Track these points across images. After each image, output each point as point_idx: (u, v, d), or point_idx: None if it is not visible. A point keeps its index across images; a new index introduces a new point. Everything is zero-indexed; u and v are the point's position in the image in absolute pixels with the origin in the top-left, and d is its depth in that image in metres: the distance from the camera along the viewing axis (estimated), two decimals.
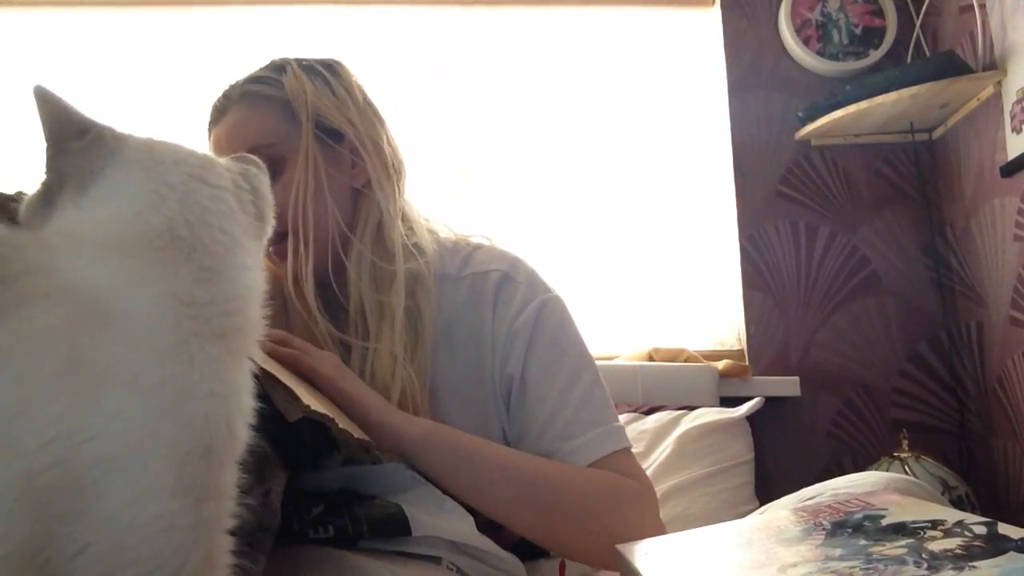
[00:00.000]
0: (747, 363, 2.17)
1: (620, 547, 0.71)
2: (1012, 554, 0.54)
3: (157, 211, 0.52)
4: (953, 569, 0.52)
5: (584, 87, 2.34)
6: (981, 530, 0.59)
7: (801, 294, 2.22)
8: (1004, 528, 0.59)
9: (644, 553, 0.70)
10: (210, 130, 1.06)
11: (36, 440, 0.41)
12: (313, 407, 0.71)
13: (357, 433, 0.81)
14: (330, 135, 1.02)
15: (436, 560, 0.82)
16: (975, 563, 0.53)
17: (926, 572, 0.53)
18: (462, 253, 1.08)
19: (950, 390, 2.16)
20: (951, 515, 0.64)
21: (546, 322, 1.00)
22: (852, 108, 2.08)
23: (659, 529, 0.95)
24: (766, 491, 1.85)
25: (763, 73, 2.33)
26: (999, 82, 1.96)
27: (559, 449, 0.95)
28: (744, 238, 2.25)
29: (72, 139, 0.54)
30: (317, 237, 0.99)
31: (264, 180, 0.64)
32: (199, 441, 0.46)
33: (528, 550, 0.99)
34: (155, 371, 0.46)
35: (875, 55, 2.28)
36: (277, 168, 0.97)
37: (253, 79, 1.04)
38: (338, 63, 1.08)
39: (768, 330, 2.21)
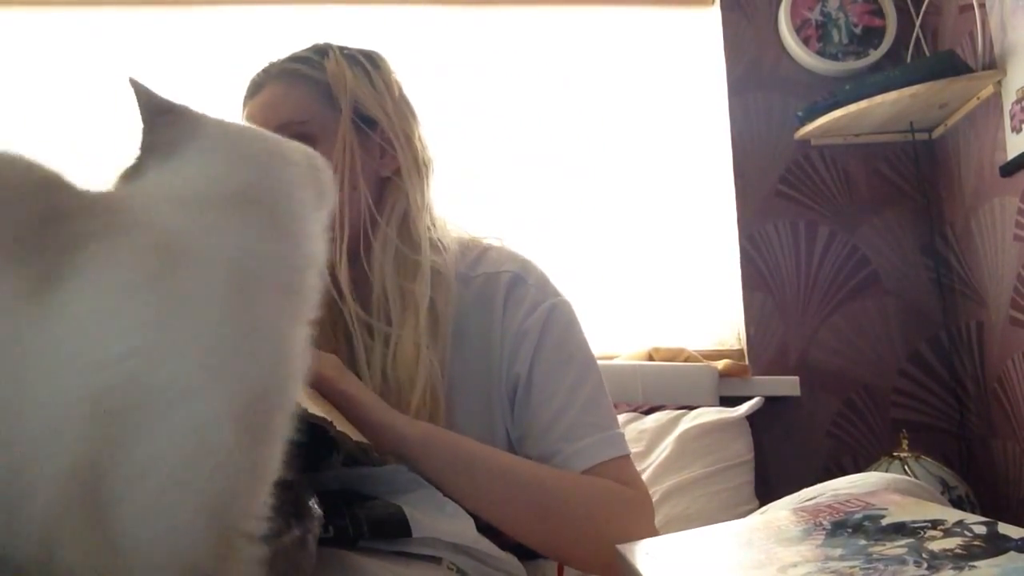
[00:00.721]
0: (747, 363, 2.17)
1: (620, 547, 0.71)
2: (1012, 554, 0.54)
3: (236, 176, 0.55)
4: (953, 569, 0.52)
5: (583, 87, 2.34)
6: (981, 530, 0.59)
7: (801, 294, 2.23)
8: (1004, 528, 0.59)
9: (644, 553, 0.70)
10: (245, 104, 1.07)
11: (117, 350, 0.42)
12: (310, 409, 0.71)
13: (356, 436, 0.81)
14: (364, 122, 1.04)
15: (437, 560, 0.82)
16: (975, 563, 0.53)
17: (926, 572, 0.53)
18: (474, 252, 1.09)
19: (950, 390, 2.16)
20: (951, 515, 0.64)
21: (555, 325, 1.01)
22: (852, 108, 2.08)
23: (653, 531, 0.96)
24: (766, 491, 1.85)
25: (763, 73, 2.33)
26: (999, 82, 1.96)
27: (561, 451, 0.95)
28: (744, 238, 2.25)
29: (159, 117, 0.58)
30: (350, 220, 1.00)
31: (324, 160, 0.66)
32: (260, 383, 0.47)
33: (527, 550, 0.99)
34: (225, 309, 0.47)
35: (875, 55, 2.28)
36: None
37: (294, 58, 1.06)
38: (379, 56, 1.10)
39: (768, 330, 2.21)
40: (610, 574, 0.86)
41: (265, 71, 1.06)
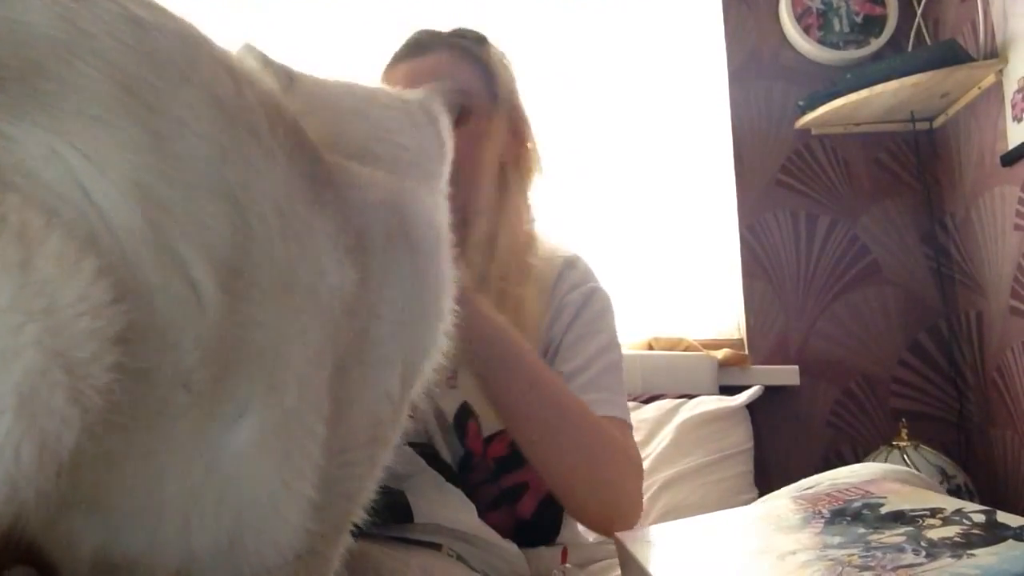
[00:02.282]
0: (747, 352, 2.17)
1: (619, 535, 0.71)
2: (1011, 542, 0.54)
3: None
4: (952, 557, 0.52)
5: (584, 75, 2.33)
6: (980, 518, 0.59)
7: (801, 283, 2.22)
8: (1003, 516, 0.59)
9: (643, 540, 0.71)
10: (400, 62, 1.11)
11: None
12: None
13: None
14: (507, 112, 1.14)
15: (436, 547, 0.82)
16: (973, 551, 0.53)
17: (924, 560, 0.53)
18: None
19: (949, 379, 2.16)
20: (950, 503, 0.64)
21: (594, 304, 1.13)
22: (853, 97, 2.07)
23: (639, 499, 1.03)
24: (765, 480, 1.85)
25: (763, 61, 2.32)
26: (1000, 71, 1.95)
27: None
28: (744, 227, 2.25)
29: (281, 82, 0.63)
30: (475, 184, 1.07)
31: (442, 111, 0.70)
32: (421, 351, 0.55)
33: (527, 537, 0.99)
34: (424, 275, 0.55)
35: (876, 43, 2.27)
36: (462, 118, 1.03)
37: (459, 35, 1.15)
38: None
39: (768, 319, 2.21)
40: (583, 514, 1.01)
41: (429, 36, 1.13)
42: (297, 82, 0.63)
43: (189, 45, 0.41)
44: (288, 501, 0.42)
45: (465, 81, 1.08)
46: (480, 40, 1.14)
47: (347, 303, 0.46)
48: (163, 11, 0.41)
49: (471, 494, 1.01)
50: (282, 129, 0.45)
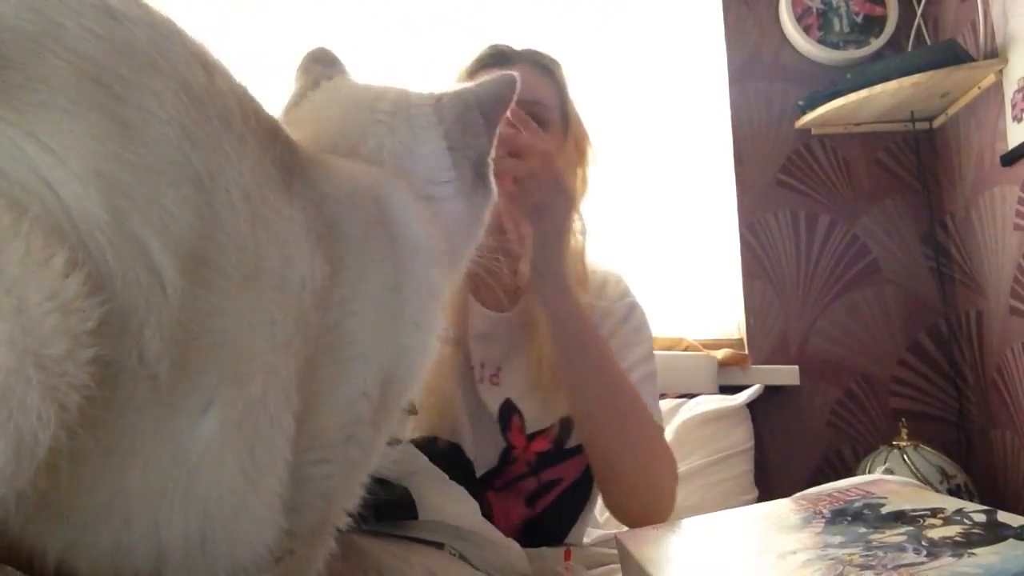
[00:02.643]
0: (747, 352, 2.17)
1: (619, 535, 0.71)
2: (1012, 541, 0.54)
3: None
4: (952, 556, 0.53)
5: (584, 75, 2.33)
6: (981, 518, 0.59)
7: (801, 283, 2.23)
8: (1003, 516, 0.59)
9: (643, 540, 0.71)
10: (485, 68, 1.13)
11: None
12: None
13: None
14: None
15: (439, 546, 0.82)
16: (974, 550, 0.53)
17: (925, 559, 0.53)
18: None
19: (949, 379, 2.16)
20: (951, 504, 0.64)
21: (636, 316, 1.20)
22: (853, 97, 2.07)
23: (672, 505, 1.07)
24: (765, 480, 1.85)
25: (764, 61, 2.32)
26: (1000, 71, 1.95)
27: None
28: (744, 227, 2.25)
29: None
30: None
31: (456, 114, 0.68)
32: (395, 360, 0.51)
33: (530, 537, 1.00)
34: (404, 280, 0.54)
35: (876, 43, 2.27)
36: (540, 128, 1.05)
37: (538, 53, 1.21)
38: None
39: (768, 319, 2.21)
40: (623, 511, 1.07)
41: (512, 51, 1.17)
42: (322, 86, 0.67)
43: (162, 35, 0.41)
44: (256, 496, 0.41)
45: (548, 97, 1.16)
46: (555, 63, 1.22)
47: (318, 294, 0.45)
48: (137, 2, 0.41)
49: (509, 486, 1.08)
50: (255, 118, 0.45)
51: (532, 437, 1.11)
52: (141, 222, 0.36)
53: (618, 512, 1.10)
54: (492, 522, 0.92)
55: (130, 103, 0.37)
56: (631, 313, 1.20)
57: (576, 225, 1.19)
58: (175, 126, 0.38)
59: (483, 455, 1.11)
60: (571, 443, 1.12)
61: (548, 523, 1.12)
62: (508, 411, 1.12)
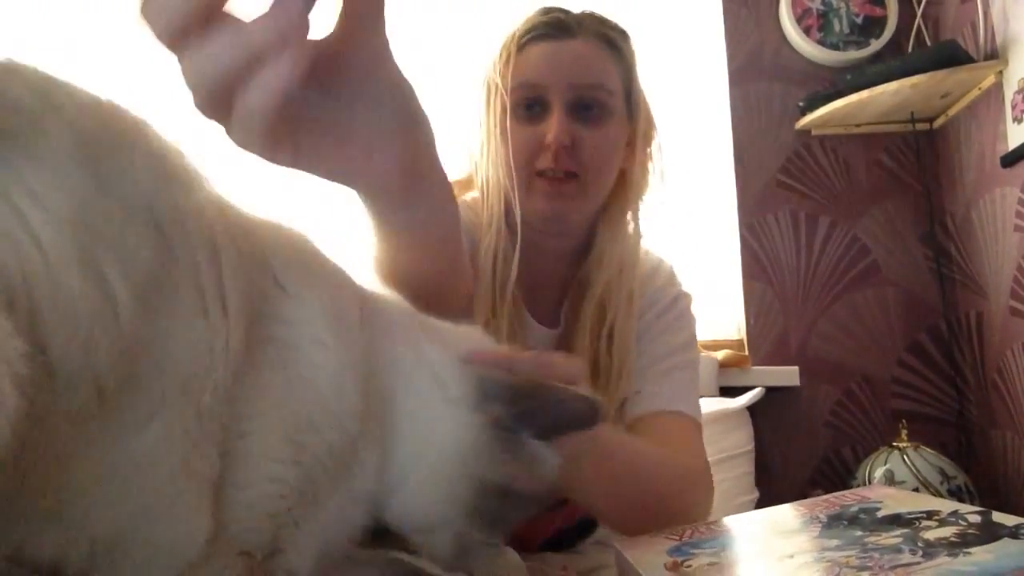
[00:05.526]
0: (747, 353, 2.18)
1: (616, 543, 0.71)
2: (1007, 540, 0.54)
3: None
4: (948, 556, 0.53)
5: None
6: (976, 519, 0.59)
7: (801, 284, 2.23)
8: (998, 516, 0.59)
9: (639, 546, 0.71)
10: (540, 40, 1.00)
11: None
12: None
13: None
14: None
15: None
16: (970, 549, 0.53)
17: (921, 559, 0.53)
18: None
19: (949, 380, 2.16)
20: (946, 506, 0.64)
21: (682, 303, 1.14)
22: (853, 98, 2.08)
23: (706, 512, 0.94)
24: (766, 481, 1.85)
25: (763, 62, 2.32)
26: (1000, 72, 1.96)
27: (645, 387, 1.01)
28: (744, 228, 2.25)
29: None
30: (601, 193, 1.06)
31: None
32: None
33: (526, 545, 0.99)
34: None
35: (876, 44, 2.27)
36: (602, 118, 1.00)
37: (608, 25, 1.05)
38: None
39: (768, 320, 2.21)
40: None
41: (576, 21, 1.01)
42: None
43: (140, 121, 0.47)
44: (184, 503, 0.44)
45: (611, 81, 1.01)
46: (624, 34, 1.06)
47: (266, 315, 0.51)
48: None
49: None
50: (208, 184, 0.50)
51: None
52: (102, 254, 0.40)
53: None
54: (520, 534, 0.91)
55: (109, 162, 0.43)
56: (678, 300, 1.13)
57: (630, 221, 1.14)
58: (147, 174, 0.44)
59: None
60: None
61: (572, 535, 1.09)
62: None
